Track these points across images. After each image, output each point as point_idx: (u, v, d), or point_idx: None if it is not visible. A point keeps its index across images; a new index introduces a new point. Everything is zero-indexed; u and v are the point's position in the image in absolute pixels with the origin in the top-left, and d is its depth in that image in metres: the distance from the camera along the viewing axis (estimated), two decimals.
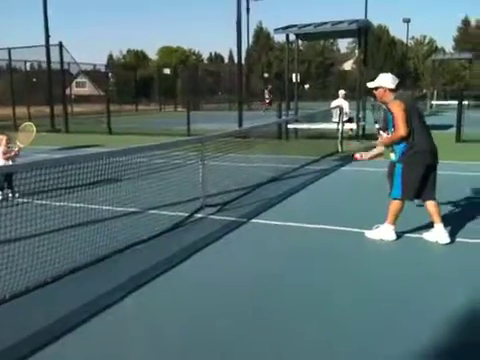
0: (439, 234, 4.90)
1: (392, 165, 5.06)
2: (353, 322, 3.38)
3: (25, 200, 4.78)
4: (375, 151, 5.53)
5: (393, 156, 5.05)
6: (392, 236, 5.01)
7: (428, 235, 5.00)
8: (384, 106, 5.10)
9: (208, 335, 3.21)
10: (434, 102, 30.16)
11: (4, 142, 7.21)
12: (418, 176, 4.83)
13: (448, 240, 4.88)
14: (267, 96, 34.79)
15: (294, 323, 3.37)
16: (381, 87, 4.98)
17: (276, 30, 14.76)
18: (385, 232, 5.03)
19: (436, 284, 4.04)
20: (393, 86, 4.94)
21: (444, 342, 3.09)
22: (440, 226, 4.91)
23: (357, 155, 5.66)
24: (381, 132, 5.19)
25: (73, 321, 3.34)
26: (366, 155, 5.59)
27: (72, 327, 3.27)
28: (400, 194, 4.91)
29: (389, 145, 5.08)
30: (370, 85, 5.11)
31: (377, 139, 5.33)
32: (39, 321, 3.34)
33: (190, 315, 3.50)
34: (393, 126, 4.84)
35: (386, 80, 4.98)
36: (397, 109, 4.75)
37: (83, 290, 3.87)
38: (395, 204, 4.95)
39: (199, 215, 6.04)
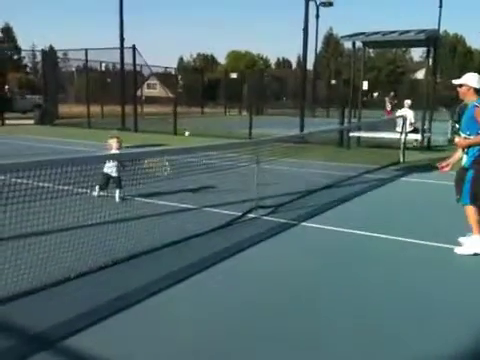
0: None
1: (462, 171, 5.00)
2: (385, 321, 3.45)
3: (82, 190, 5.08)
4: (457, 155, 5.25)
5: (465, 159, 4.97)
6: None
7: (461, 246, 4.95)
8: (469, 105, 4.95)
9: (247, 321, 3.42)
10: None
11: (115, 145, 7.01)
12: None
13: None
14: (389, 103, 30.38)
15: (327, 317, 3.49)
16: (466, 85, 4.95)
17: (343, 37, 14.73)
18: (478, 244, 4.89)
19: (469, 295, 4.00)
20: (478, 86, 4.90)
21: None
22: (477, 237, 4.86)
23: (444, 167, 5.42)
24: (461, 133, 5.09)
25: (128, 301, 3.67)
26: (451, 160, 5.29)
27: (130, 304, 3.61)
28: (469, 200, 4.87)
29: (466, 147, 4.98)
30: (455, 81, 5.06)
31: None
32: (100, 297, 3.70)
33: (235, 302, 3.72)
34: (470, 128, 4.82)
35: (473, 79, 4.95)
36: None
37: (137, 276, 4.19)
38: (471, 213, 4.89)
39: (251, 215, 6.25)
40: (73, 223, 4.75)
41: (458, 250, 4.96)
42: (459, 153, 5.16)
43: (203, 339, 3.21)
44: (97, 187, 6.83)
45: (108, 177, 6.86)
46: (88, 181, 4.92)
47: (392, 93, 32.36)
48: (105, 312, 3.47)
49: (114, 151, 6.88)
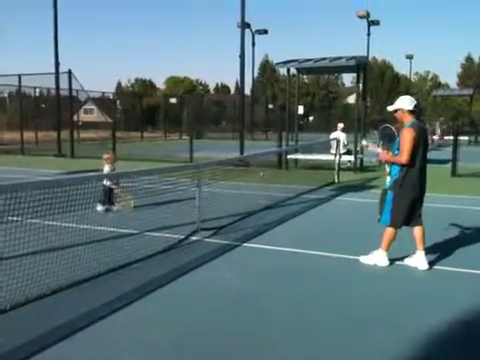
0: (419, 261, 5.15)
1: (384, 192, 5.30)
2: (330, 338, 3.61)
3: (19, 218, 4.98)
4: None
5: (388, 179, 5.27)
6: (385, 262, 5.23)
7: (409, 260, 5.24)
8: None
9: (191, 345, 3.46)
10: (435, 137, 30.41)
11: (108, 161, 8.11)
12: (406, 206, 5.10)
13: (427, 267, 5.13)
14: (439, 129, 29.26)
15: (271, 341, 3.60)
16: (400, 109, 5.16)
17: (278, 64, 15.33)
18: (379, 258, 5.25)
19: (411, 306, 4.26)
20: (411, 107, 5.11)
21: (413, 355, 3.32)
22: (421, 253, 5.16)
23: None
24: (379, 147, 5.40)
25: (70, 329, 3.61)
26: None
27: (69, 334, 3.53)
28: (389, 221, 5.16)
29: (386, 163, 5.34)
30: (390, 108, 5.27)
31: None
32: (38, 328, 3.60)
33: (177, 327, 3.76)
34: (398, 149, 5.08)
35: (404, 102, 5.16)
36: (407, 136, 4.96)
37: (80, 303, 4.13)
38: (388, 231, 5.19)
39: (194, 238, 6.30)
40: (6, 253, 4.59)
41: (362, 258, 5.35)
42: (387, 167, 5.44)
43: None
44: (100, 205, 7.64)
45: (107, 190, 7.63)
46: (19, 208, 4.77)
47: (442, 118, 31.90)
48: (47, 341, 3.40)
49: (107, 168, 7.93)
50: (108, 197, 7.75)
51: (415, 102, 5.17)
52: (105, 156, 8.15)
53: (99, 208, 7.62)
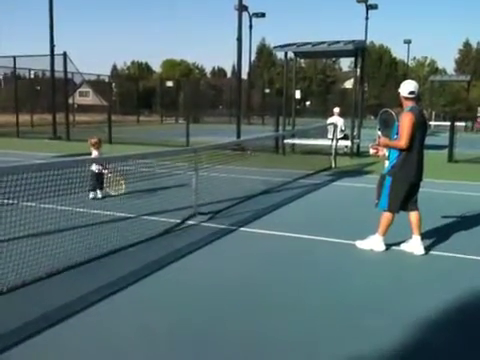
0: (416, 246, 5.17)
1: (382, 177, 5.29)
2: (326, 323, 3.63)
3: (13, 201, 4.94)
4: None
5: (387, 163, 5.26)
6: (381, 247, 5.24)
7: (405, 246, 5.26)
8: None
9: (187, 329, 3.47)
10: (432, 123, 30.37)
11: (95, 146, 7.77)
12: (404, 191, 5.10)
13: (423, 252, 5.15)
14: None
15: (266, 327, 3.62)
16: (400, 93, 5.16)
17: (275, 48, 15.19)
18: (375, 243, 5.26)
19: (407, 291, 4.28)
20: (405, 94, 5.09)
21: (408, 341, 3.34)
22: (418, 238, 5.18)
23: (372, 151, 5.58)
24: (379, 133, 5.37)
25: (67, 312, 3.60)
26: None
27: (66, 317, 3.53)
28: (386, 206, 5.16)
29: (385, 147, 5.29)
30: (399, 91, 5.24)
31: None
32: (34, 311, 3.59)
33: (173, 312, 3.75)
34: (396, 133, 5.06)
35: (402, 87, 5.15)
36: (406, 120, 4.95)
37: (76, 286, 4.12)
38: (385, 216, 5.19)
39: (191, 222, 6.29)
40: (1, 235, 4.57)
41: (358, 243, 5.35)
42: (385, 152, 5.41)
43: (140, 349, 3.22)
44: (92, 191, 7.51)
45: (97, 176, 7.41)
46: (15, 191, 4.74)
47: None
48: (43, 323, 3.40)
49: (95, 153, 7.62)
50: (96, 182, 7.55)
51: (411, 89, 5.10)
52: (92, 141, 7.76)
53: (91, 195, 7.54)
